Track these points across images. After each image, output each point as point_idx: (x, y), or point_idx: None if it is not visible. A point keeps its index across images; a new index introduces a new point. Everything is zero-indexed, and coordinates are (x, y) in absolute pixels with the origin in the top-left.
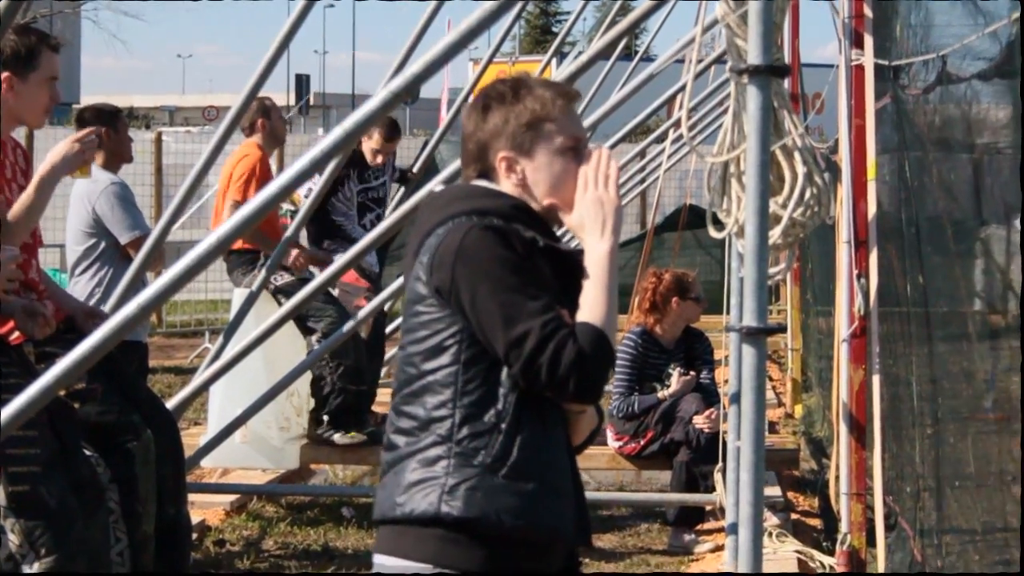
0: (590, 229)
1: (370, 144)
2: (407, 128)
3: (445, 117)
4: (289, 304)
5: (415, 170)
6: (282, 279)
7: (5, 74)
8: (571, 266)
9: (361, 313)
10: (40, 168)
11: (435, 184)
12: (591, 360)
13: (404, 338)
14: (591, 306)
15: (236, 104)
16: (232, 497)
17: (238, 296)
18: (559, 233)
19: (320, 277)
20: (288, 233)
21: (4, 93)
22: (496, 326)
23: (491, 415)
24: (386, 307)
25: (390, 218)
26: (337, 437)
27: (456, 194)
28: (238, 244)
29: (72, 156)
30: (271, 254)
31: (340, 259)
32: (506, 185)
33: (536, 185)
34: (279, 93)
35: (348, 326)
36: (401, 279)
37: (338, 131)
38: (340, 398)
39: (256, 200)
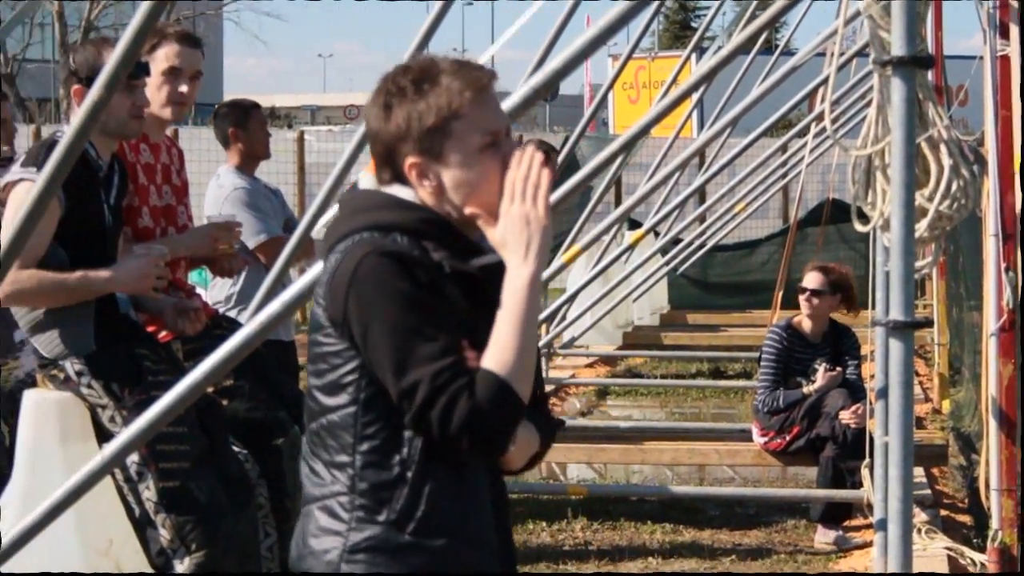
0: (512, 250)
1: None
2: (547, 125)
3: (586, 113)
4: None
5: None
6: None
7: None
8: (492, 282)
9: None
10: (106, 270)
11: (574, 181)
12: (488, 416)
13: (308, 367)
14: (499, 348)
15: None
16: None
17: None
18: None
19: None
20: None
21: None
22: (387, 373)
23: (395, 463)
24: None
25: None
26: None
27: (360, 203)
28: None
29: (136, 285)
30: None
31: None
32: (422, 193)
33: (454, 193)
34: None
35: None
36: (544, 275)
37: None
38: None
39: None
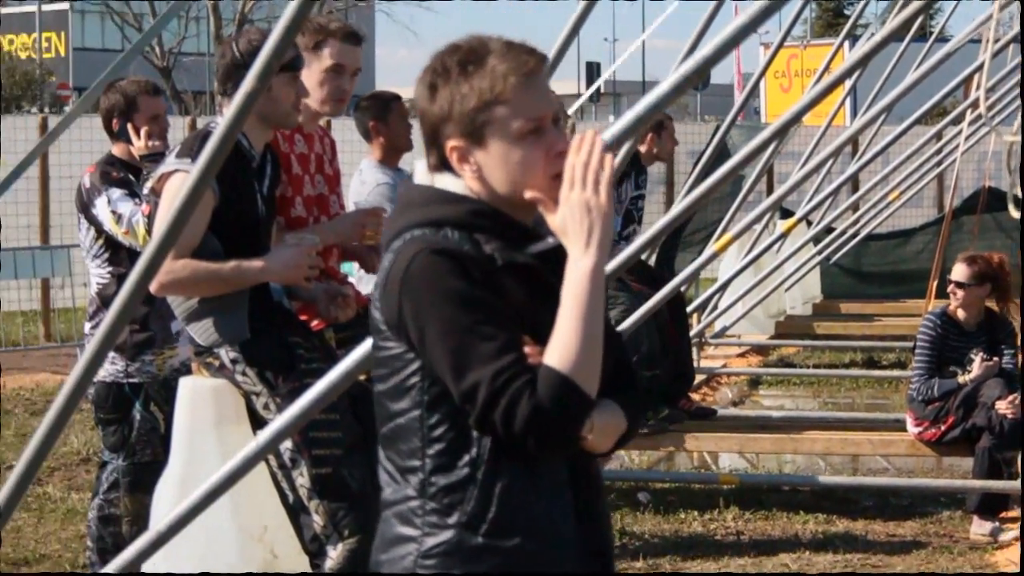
0: (573, 238)
1: (643, 147)
2: (698, 114)
3: (737, 102)
4: None
5: (706, 155)
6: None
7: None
8: (550, 282)
9: (652, 300)
10: (260, 259)
11: (725, 169)
12: (551, 416)
13: (372, 372)
14: (561, 344)
15: None
16: None
17: None
18: None
19: (610, 265)
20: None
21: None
22: (447, 375)
23: (464, 464)
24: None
25: (681, 203)
26: None
27: (411, 199)
28: None
29: (288, 274)
30: None
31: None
32: (466, 177)
33: (494, 178)
34: (569, 81)
35: (639, 312)
36: (696, 264)
37: (629, 115)
38: None
39: None
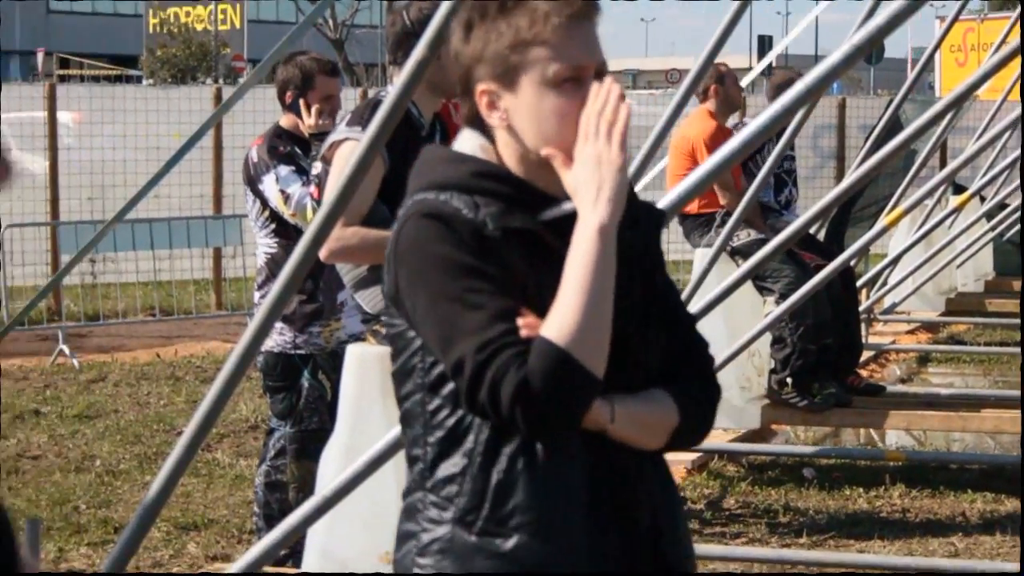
0: (582, 195)
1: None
2: (871, 88)
3: (910, 76)
4: (747, 265)
5: (878, 129)
6: (739, 240)
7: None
8: (552, 250)
9: (820, 275)
10: None
11: (896, 143)
12: (541, 393)
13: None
14: (560, 312)
15: (695, 67)
16: (693, 456)
17: (699, 256)
18: None
19: (778, 238)
20: (751, 190)
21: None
22: (436, 349)
23: (462, 453)
24: (852, 263)
25: (852, 177)
26: (800, 403)
27: (421, 163)
28: (694, 208)
29: None
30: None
31: (796, 222)
32: (494, 126)
33: (523, 128)
34: (742, 55)
35: (807, 287)
36: (866, 238)
37: (799, 86)
38: (801, 360)
39: (715, 158)
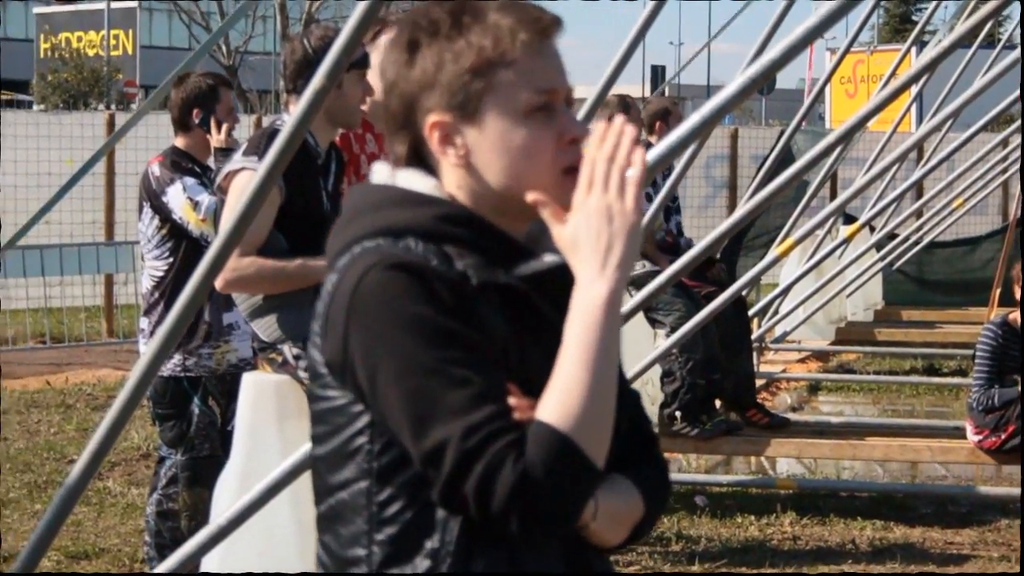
0: (586, 256)
1: (653, 138)
2: (763, 118)
3: (803, 106)
4: (638, 296)
5: (770, 160)
6: (633, 271)
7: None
8: (542, 306)
9: (711, 306)
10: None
11: (788, 174)
12: (542, 490)
13: (311, 431)
14: (561, 392)
15: (591, 96)
16: None
17: None
18: None
19: (667, 272)
20: (645, 220)
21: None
22: (405, 430)
23: (425, 554)
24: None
25: (744, 207)
26: (691, 432)
27: (362, 202)
28: None
29: None
30: None
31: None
32: (444, 166)
33: (486, 167)
34: (635, 85)
35: (696, 318)
36: (757, 268)
37: (695, 118)
38: (690, 394)
39: None
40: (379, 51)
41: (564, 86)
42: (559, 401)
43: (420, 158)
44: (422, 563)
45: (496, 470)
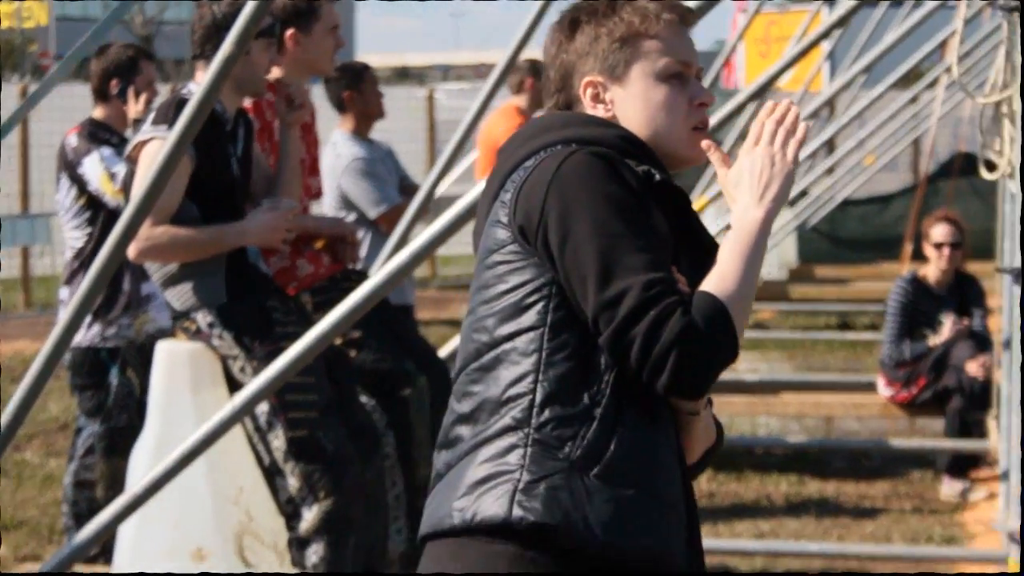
0: (747, 188)
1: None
2: None
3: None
4: None
5: None
6: None
7: (290, 31)
8: (695, 223)
9: None
10: (238, 224)
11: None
12: (702, 340)
13: (474, 300)
14: (721, 276)
15: (502, 62)
16: None
17: None
18: None
19: None
20: None
21: (291, 48)
22: (588, 280)
23: (583, 397)
24: None
25: None
26: None
27: (549, 123)
28: None
29: (266, 238)
30: None
31: None
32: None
33: (629, 119)
34: None
35: None
36: None
37: None
38: None
39: None
40: (325, 19)
41: (696, 62)
42: (720, 281)
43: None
44: (581, 402)
45: (667, 318)
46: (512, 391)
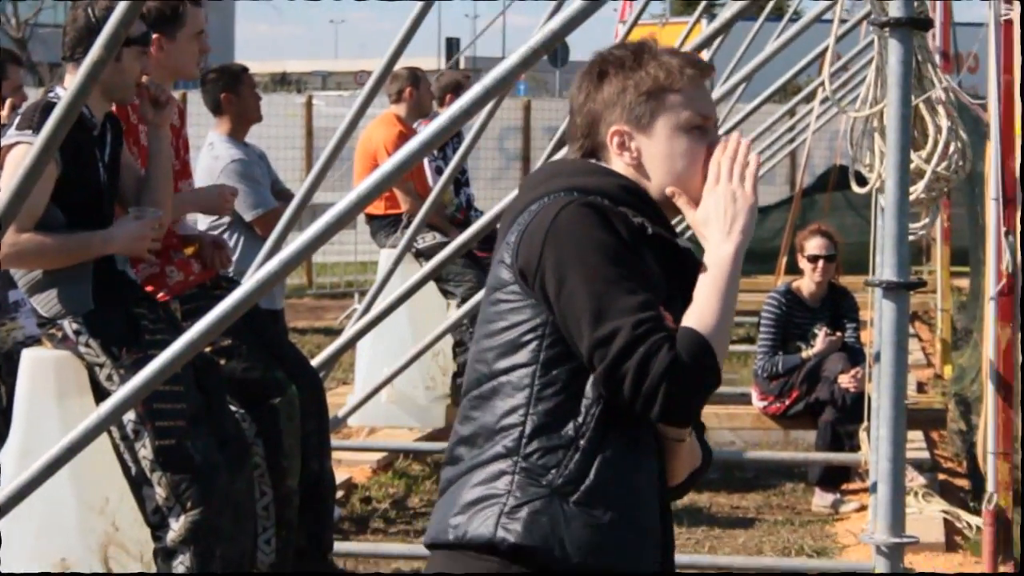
0: (715, 226)
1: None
2: (557, 91)
3: None
4: (427, 267)
5: (561, 131)
6: (424, 242)
7: (155, 36)
8: (685, 264)
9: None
10: (104, 232)
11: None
12: (687, 373)
13: (478, 331)
14: (701, 311)
15: (379, 67)
16: (379, 455)
17: (384, 257)
18: (677, 227)
19: (456, 241)
20: (434, 193)
21: (155, 54)
22: (582, 321)
23: (569, 428)
24: None
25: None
26: None
27: (557, 169)
28: (380, 209)
29: (132, 246)
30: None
31: (476, 223)
32: (618, 165)
33: (653, 167)
34: (430, 57)
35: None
36: None
37: (477, 88)
38: None
39: (396, 157)
40: (191, 24)
41: (714, 115)
42: (700, 316)
43: (595, 157)
44: (567, 433)
45: (655, 353)
46: (505, 421)
